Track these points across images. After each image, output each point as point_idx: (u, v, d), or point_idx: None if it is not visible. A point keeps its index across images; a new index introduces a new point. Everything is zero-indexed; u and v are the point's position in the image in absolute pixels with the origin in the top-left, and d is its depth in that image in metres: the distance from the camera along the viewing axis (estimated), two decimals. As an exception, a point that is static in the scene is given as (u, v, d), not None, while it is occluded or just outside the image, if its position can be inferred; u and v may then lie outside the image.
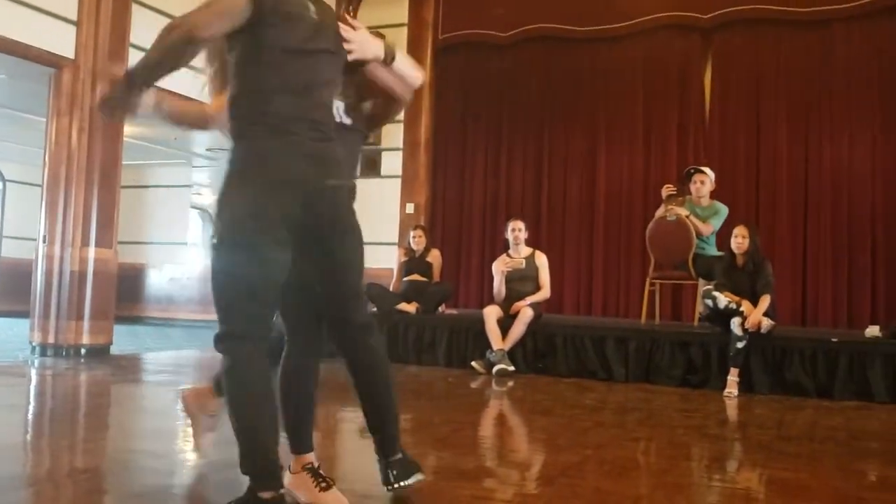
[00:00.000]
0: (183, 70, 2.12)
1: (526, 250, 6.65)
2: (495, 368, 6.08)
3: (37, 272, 6.56)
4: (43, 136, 6.74)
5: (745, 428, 4.48)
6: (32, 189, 9.25)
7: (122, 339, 7.69)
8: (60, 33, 6.41)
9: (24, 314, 7.11)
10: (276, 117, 2.13)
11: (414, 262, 7.27)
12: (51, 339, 6.45)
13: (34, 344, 6.50)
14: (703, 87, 8.66)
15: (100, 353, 6.57)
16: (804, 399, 5.34)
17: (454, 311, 7.73)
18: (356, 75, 2.40)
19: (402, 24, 9.33)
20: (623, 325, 6.74)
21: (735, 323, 5.44)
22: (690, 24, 8.54)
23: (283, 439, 2.32)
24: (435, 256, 7.35)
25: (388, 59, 2.36)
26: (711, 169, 6.88)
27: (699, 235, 6.50)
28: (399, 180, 9.19)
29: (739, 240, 5.65)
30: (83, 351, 6.48)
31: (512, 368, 6.12)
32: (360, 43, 2.27)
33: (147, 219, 11.95)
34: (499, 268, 6.61)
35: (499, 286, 6.57)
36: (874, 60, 7.96)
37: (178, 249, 12.16)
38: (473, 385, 5.69)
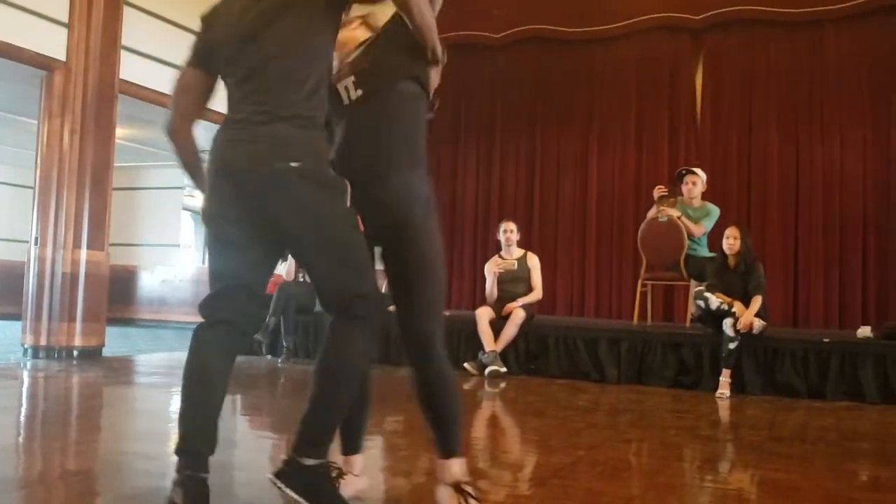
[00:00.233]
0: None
1: (518, 251, 6.66)
2: (487, 370, 6.08)
3: (29, 274, 6.54)
4: (34, 138, 6.72)
5: (736, 429, 4.49)
6: (24, 191, 9.22)
7: (115, 341, 7.67)
8: (52, 35, 6.39)
9: (17, 316, 7.09)
10: (228, 112, 2.21)
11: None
12: (43, 342, 6.43)
13: (26, 346, 6.48)
14: (694, 88, 8.70)
15: (92, 355, 6.56)
16: (796, 400, 5.36)
17: (446, 313, 7.72)
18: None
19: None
20: (615, 326, 6.75)
21: (727, 324, 5.46)
22: (682, 25, 8.58)
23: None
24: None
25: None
26: (703, 170, 6.90)
27: (691, 236, 6.52)
28: (392, 181, 9.18)
29: (731, 241, 5.67)
30: (75, 353, 6.46)
31: (504, 370, 6.13)
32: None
33: (139, 221, 11.92)
34: (491, 269, 6.62)
35: (491, 287, 6.57)
36: (865, 61, 8.00)
37: (170, 251, 12.13)
38: (466, 386, 5.69)
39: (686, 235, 6.49)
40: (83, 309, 6.52)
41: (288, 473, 2.04)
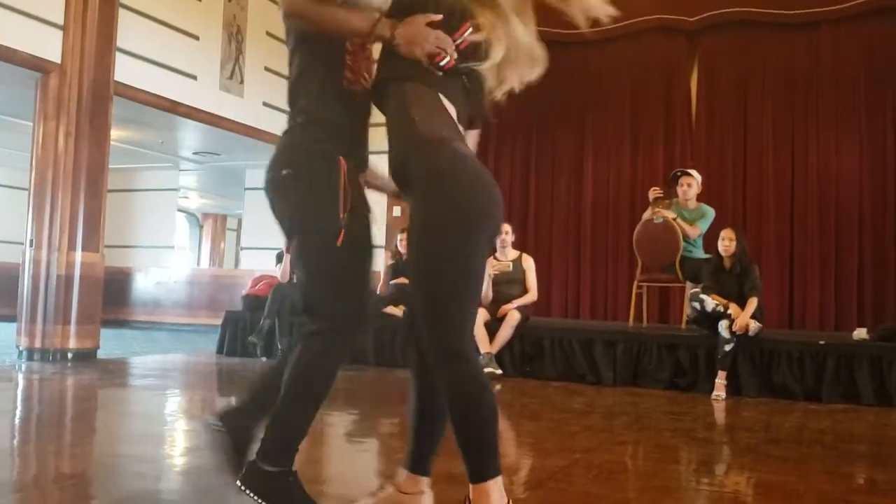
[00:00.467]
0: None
1: (513, 253, 6.65)
2: (484, 372, 6.07)
3: (24, 276, 6.52)
4: (30, 140, 6.70)
5: (732, 431, 4.49)
6: (19, 193, 9.18)
7: (109, 343, 7.65)
8: (47, 38, 6.38)
9: (11, 318, 7.06)
10: None
11: (401, 266, 7.26)
12: (37, 344, 6.41)
13: (21, 348, 6.46)
14: (689, 90, 8.72)
15: (86, 357, 6.54)
16: (792, 402, 5.37)
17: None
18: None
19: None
20: (611, 328, 6.75)
21: (722, 325, 5.46)
22: (676, 26, 8.59)
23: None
24: (423, 260, 7.33)
25: None
26: (698, 171, 6.91)
27: (686, 238, 6.52)
28: (387, 183, 9.17)
29: (726, 242, 5.68)
30: (70, 355, 6.44)
31: (499, 372, 6.12)
32: None
33: (134, 222, 11.89)
34: (486, 270, 6.60)
35: (486, 289, 6.57)
36: (861, 63, 8.02)
37: (165, 253, 12.11)
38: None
39: (681, 237, 6.50)
40: (78, 311, 6.50)
41: (250, 477, 2.07)
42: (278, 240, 7.56)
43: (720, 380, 5.44)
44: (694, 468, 3.46)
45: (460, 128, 2.00)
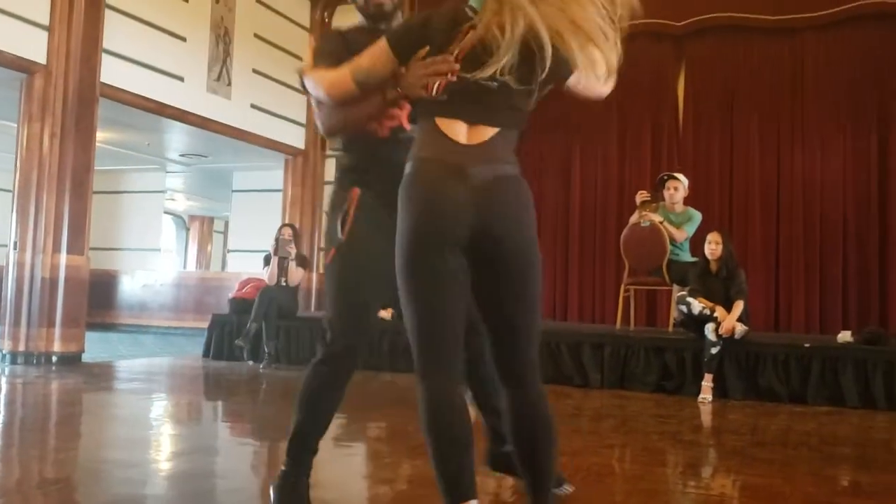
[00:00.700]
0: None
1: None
2: (471, 375, 6.06)
3: (7, 279, 6.47)
4: (14, 141, 6.65)
5: (719, 434, 4.51)
6: (3, 195, 9.11)
7: (95, 347, 7.60)
8: (32, 38, 6.33)
9: (-6, 322, 6.99)
10: None
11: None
12: (21, 347, 6.36)
13: (4, 352, 6.41)
14: (676, 94, 8.75)
15: (71, 360, 6.49)
16: (777, 404, 5.40)
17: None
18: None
19: (378, 31, 9.32)
20: (598, 331, 6.76)
21: (709, 328, 5.49)
22: (664, 31, 8.62)
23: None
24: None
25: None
26: (685, 175, 6.94)
27: (673, 241, 6.54)
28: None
29: (713, 246, 5.70)
30: (54, 359, 6.39)
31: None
32: None
33: (120, 225, 11.82)
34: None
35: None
36: (845, 68, 8.08)
37: (152, 255, 12.05)
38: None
39: (668, 240, 6.52)
40: (62, 314, 6.45)
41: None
42: (265, 242, 7.57)
43: (707, 382, 5.46)
44: (681, 471, 3.47)
45: (460, 141, 1.87)
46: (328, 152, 9.33)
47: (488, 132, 1.88)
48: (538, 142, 9.13)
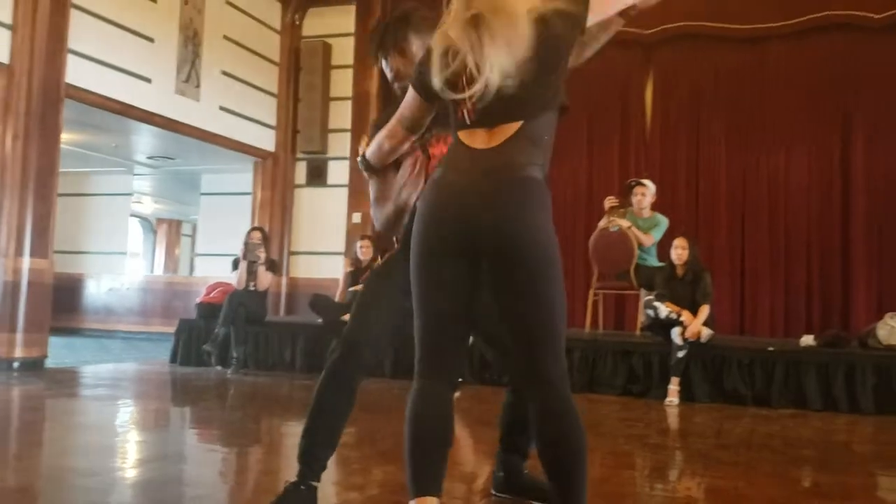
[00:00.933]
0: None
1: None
2: (441, 379, 6.06)
3: (-32, 283, 6.35)
4: (-25, 142, 6.53)
5: (685, 437, 4.57)
6: (-36, 196, 8.96)
7: (59, 352, 7.48)
8: (-5, 37, 6.24)
9: (-46, 326, 6.84)
10: None
11: (360, 273, 7.23)
12: (-18, 353, 6.24)
13: (-36, 357, 6.29)
14: (644, 101, 8.85)
15: (34, 366, 6.38)
16: (742, 407, 5.47)
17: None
18: None
19: (349, 34, 9.32)
20: (567, 335, 6.77)
21: (675, 332, 5.55)
22: (632, 38, 8.69)
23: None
24: (381, 267, 7.31)
25: None
26: (652, 181, 7.02)
27: (641, 246, 6.62)
28: (346, 190, 9.15)
29: (679, 251, 5.77)
30: (16, 364, 6.28)
31: (459, 379, 6.12)
32: None
33: (86, 227, 11.66)
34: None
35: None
36: (808, 77, 8.24)
37: (118, 259, 11.90)
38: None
39: (636, 245, 6.59)
40: (25, 319, 6.34)
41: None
42: (234, 246, 7.51)
43: (673, 386, 5.52)
44: (647, 474, 3.51)
45: (478, 147, 1.90)
46: (298, 155, 9.29)
47: (511, 129, 1.90)
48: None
